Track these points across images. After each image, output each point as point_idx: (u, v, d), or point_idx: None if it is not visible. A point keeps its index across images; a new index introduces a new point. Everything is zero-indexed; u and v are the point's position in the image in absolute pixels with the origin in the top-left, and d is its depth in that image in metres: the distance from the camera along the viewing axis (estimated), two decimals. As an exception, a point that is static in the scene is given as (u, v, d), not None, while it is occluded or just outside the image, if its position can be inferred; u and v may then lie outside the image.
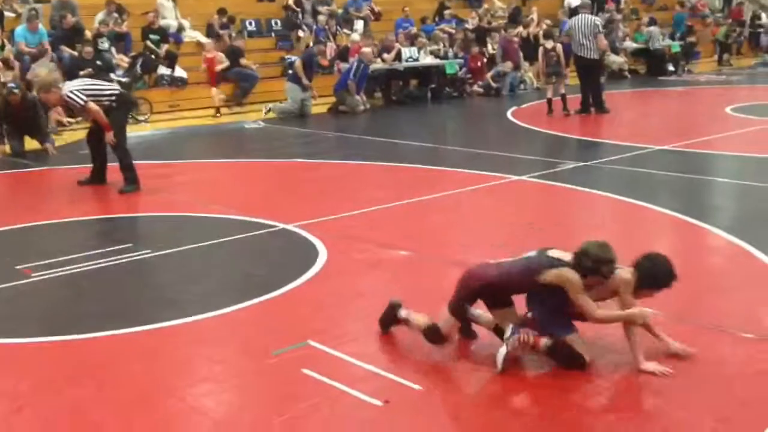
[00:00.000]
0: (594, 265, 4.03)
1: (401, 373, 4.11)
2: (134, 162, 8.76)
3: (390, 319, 4.62)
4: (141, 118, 13.92)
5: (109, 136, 8.56)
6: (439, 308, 4.87)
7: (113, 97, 8.62)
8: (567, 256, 4.13)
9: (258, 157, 11.04)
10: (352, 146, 11.87)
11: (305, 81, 14.66)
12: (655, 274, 4.14)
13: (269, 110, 14.48)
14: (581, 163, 9.65)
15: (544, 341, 4.19)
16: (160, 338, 4.77)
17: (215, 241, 6.61)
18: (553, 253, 4.19)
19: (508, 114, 14.32)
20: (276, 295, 5.34)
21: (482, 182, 8.64)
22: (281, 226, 7.01)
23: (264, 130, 13.31)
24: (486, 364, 4.22)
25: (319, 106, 15.04)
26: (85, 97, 8.34)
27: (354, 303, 5.33)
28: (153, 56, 15.48)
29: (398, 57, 16.57)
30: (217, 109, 14.66)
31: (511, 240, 6.59)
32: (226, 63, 15.25)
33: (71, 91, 8.39)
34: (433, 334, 4.39)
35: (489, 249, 6.50)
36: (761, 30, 25.94)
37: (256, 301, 5.23)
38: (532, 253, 4.27)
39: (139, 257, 6.26)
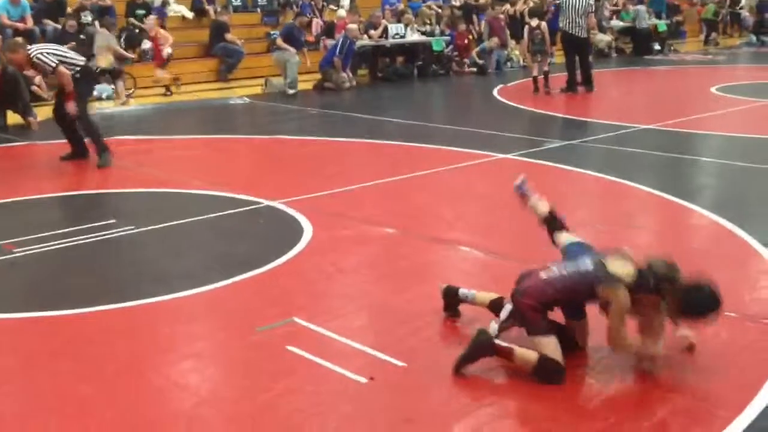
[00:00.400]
0: (656, 284, 3.78)
1: (386, 350, 4.11)
2: (120, 138, 8.71)
3: (485, 350, 3.93)
4: (125, 93, 13.80)
5: (71, 106, 8.46)
6: (423, 285, 4.89)
7: (77, 68, 8.50)
8: (626, 270, 3.83)
9: (243, 133, 10.99)
10: (338, 123, 11.82)
11: (291, 49, 14.58)
12: (699, 304, 3.79)
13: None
14: (566, 142, 9.66)
15: None
16: (145, 314, 4.76)
17: (200, 218, 6.59)
18: (613, 266, 3.85)
19: (494, 92, 14.31)
20: (261, 272, 5.33)
21: (468, 160, 8.63)
22: (266, 202, 6.99)
23: (249, 106, 13.25)
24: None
25: (304, 83, 14.96)
26: (56, 60, 8.26)
27: (339, 280, 5.33)
28: (137, 31, 15.33)
29: (385, 33, 16.49)
30: (167, 87, 14.29)
31: (496, 219, 6.61)
32: (170, 42, 14.63)
33: (41, 53, 8.30)
34: (549, 363, 3.81)
35: (474, 227, 6.52)
36: (741, 10, 25.94)
37: (240, 277, 5.22)
38: (588, 263, 3.92)
39: (123, 233, 6.23)
